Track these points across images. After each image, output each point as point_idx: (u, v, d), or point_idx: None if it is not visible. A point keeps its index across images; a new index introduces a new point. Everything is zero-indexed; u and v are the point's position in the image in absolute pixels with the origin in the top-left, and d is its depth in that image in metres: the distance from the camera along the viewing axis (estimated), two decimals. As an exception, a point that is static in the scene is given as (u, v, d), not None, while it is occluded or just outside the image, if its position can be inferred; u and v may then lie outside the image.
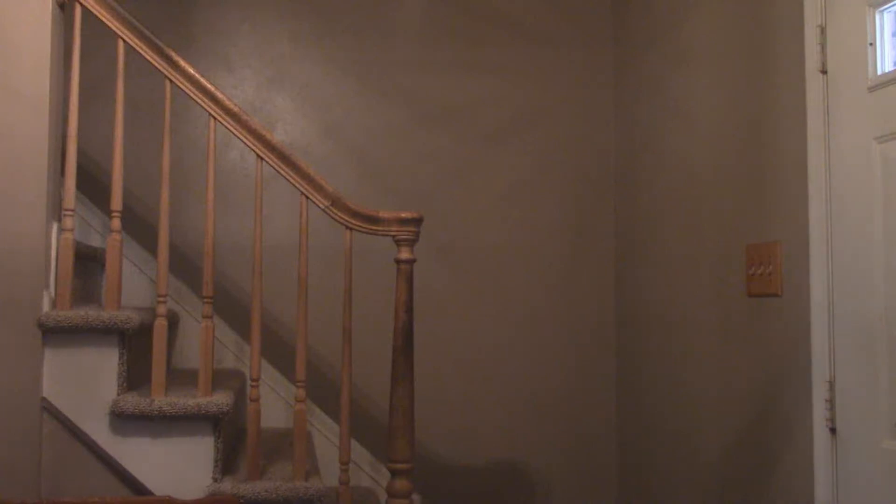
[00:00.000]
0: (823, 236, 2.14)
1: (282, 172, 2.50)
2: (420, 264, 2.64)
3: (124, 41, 2.54)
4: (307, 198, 2.56)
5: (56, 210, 2.51)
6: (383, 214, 2.53)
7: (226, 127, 2.53)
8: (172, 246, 2.63)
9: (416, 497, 2.66)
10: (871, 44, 2.04)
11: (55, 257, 2.44)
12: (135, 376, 2.49)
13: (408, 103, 3.49)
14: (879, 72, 2.03)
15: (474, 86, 3.52)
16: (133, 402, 2.32)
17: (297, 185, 2.54)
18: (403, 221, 2.50)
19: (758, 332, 2.45)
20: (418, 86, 3.49)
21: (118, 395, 2.35)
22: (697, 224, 2.83)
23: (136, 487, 2.34)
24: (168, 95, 2.61)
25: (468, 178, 3.50)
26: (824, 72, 2.17)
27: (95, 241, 3.22)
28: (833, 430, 2.10)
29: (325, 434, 3.25)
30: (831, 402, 2.11)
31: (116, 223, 2.50)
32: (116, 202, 2.51)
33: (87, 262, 2.88)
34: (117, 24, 2.53)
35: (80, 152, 2.58)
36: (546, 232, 3.52)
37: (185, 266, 3.26)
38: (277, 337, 3.31)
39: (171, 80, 2.58)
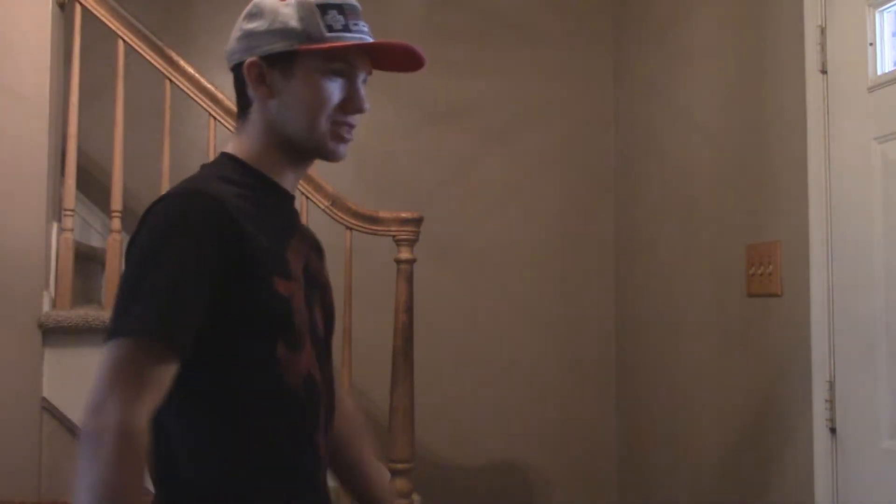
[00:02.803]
0: (823, 236, 2.14)
1: (282, 172, 2.50)
2: (420, 264, 2.63)
3: (124, 41, 2.54)
4: (307, 198, 2.56)
5: (56, 210, 2.51)
6: (383, 214, 2.54)
7: (226, 127, 2.53)
8: (172, 246, 2.63)
9: (416, 497, 2.66)
10: (871, 44, 2.04)
11: (55, 257, 2.44)
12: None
13: (408, 103, 3.48)
14: (879, 72, 2.02)
15: (474, 86, 3.51)
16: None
17: (298, 185, 2.54)
18: (403, 221, 2.50)
19: (758, 332, 2.45)
20: (419, 86, 3.48)
21: (118, 395, 2.35)
22: (697, 224, 2.83)
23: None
24: (168, 95, 2.61)
25: (468, 178, 3.50)
26: (824, 72, 2.17)
27: (95, 241, 3.21)
28: (833, 430, 2.10)
29: (325, 434, 3.25)
30: (831, 402, 2.10)
31: (116, 223, 2.50)
32: (116, 202, 2.51)
33: (87, 262, 2.88)
34: (117, 24, 2.53)
35: (80, 152, 2.58)
36: (546, 232, 3.51)
37: (185, 266, 3.25)
38: (277, 337, 3.30)
39: (171, 80, 2.58)
